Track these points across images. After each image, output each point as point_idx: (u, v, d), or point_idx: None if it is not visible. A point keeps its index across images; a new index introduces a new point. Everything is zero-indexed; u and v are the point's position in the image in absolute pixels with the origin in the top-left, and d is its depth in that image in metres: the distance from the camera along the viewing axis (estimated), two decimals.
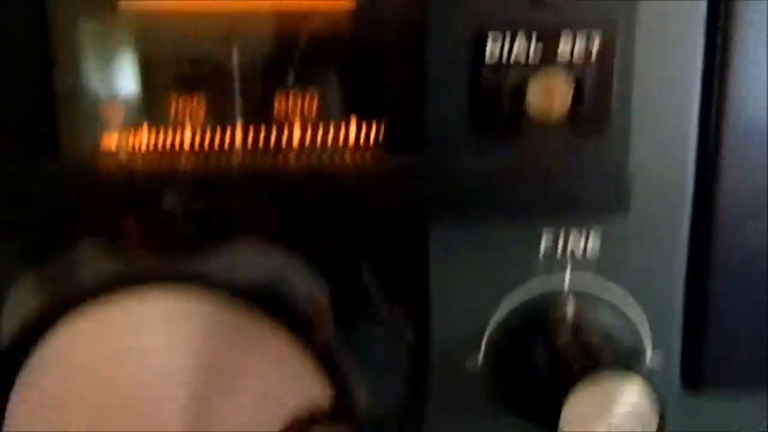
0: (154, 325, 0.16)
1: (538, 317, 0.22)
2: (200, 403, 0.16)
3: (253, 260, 0.17)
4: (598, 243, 0.22)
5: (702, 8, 0.21)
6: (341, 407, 0.16)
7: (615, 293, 0.22)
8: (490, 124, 0.21)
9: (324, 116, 0.23)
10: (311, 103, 0.24)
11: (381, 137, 0.23)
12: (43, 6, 0.22)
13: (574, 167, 0.20)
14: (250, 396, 0.16)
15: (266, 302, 0.16)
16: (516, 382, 0.21)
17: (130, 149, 0.23)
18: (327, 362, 0.16)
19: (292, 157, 0.23)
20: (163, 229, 0.18)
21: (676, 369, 0.23)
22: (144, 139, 0.24)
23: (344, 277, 0.19)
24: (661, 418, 0.19)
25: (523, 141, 0.20)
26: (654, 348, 0.23)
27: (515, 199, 0.21)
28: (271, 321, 0.16)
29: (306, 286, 0.17)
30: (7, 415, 0.16)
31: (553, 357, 0.20)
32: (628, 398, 0.18)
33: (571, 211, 0.21)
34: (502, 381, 0.22)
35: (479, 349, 0.22)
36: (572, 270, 0.22)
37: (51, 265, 0.17)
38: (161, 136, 0.24)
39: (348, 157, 0.23)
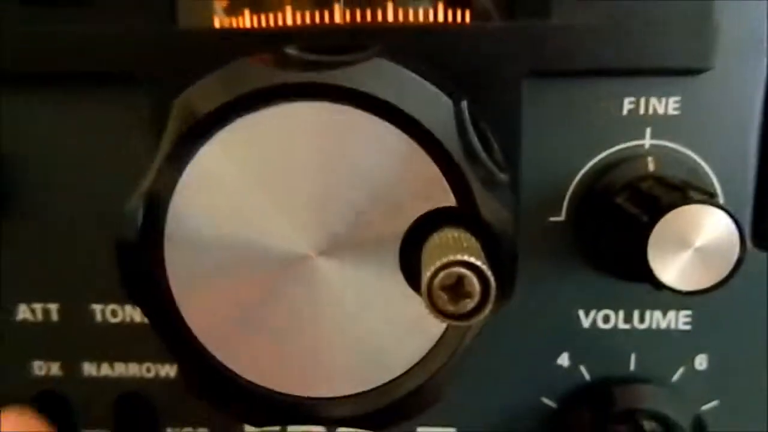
0: (297, 132, 0.18)
1: (621, 170, 0.23)
2: (330, 198, 0.18)
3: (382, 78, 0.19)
4: (678, 104, 0.23)
5: None
6: (467, 214, 0.17)
7: (692, 156, 0.24)
8: None
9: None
10: None
11: (472, 16, 0.25)
12: None
13: (660, 24, 0.22)
14: (373, 194, 0.18)
15: (398, 114, 0.18)
16: (598, 232, 0.23)
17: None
18: (453, 173, 0.18)
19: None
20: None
21: (748, 232, 0.25)
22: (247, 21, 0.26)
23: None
24: (743, 249, 0.20)
25: (609, 1, 0.22)
26: None
27: (602, 57, 0.22)
28: (401, 133, 0.18)
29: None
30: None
31: (638, 197, 0.21)
32: (714, 225, 0.20)
33: (654, 70, 0.22)
34: (583, 234, 0.24)
35: (563, 203, 0.24)
36: (653, 129, 0.23)
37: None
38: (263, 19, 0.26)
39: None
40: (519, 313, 0.25)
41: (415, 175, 0.18)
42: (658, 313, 0.25)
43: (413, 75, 0.19)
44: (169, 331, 0.20)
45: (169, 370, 0.27)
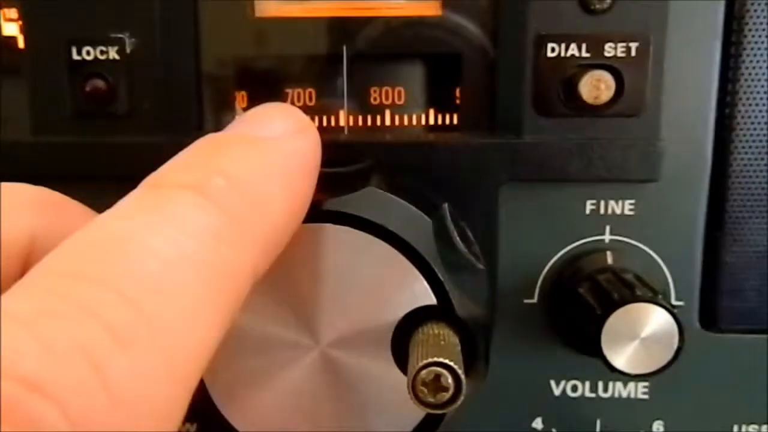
0: (306, 247, 0.22)
1: (584, 263, 0.27)
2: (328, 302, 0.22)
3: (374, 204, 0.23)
4: (632, 206, 0.27)
5: (719, 22, 0.26)
6: (445, 310, 0.21)
7: (646, 249, 0.28)
8: (548, 109, 0.26)
9: (411, 106, 0.29)
10: (402, 95, 0.29)
11: (458, 121, 0.29)
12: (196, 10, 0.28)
13: (615, 144, 0.26)
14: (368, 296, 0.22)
15: (387, 235, 0.22)
16: (564, 314, 0.27)
17: None
18: (432, 278, 0.21)
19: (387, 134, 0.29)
20: None
21: (695, 313, 0.28)
22: None
23: (436, 226, 0.25)
24: (681, 339, 0.24)
25: (574, 122, 0.26)
26: (676, 298, 0.28)
27: (567, 168, 0.26)
28: (389, 247, 0.22)
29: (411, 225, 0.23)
30: None
31: (596, 290, 0.25)
32: (657, 320, 0.24)
33: (611, 178, 0.26)
34: (553, 314, 0.28)
35: (535, 288, 0.28)
36: (611, 227, 0.27)
37: None
38: None
39: (433, 136, 0.28)
40: (498, 383, 0.29)
41: (401, 280, 0.22)
42: (620, 384, 0.29)
43: (399, 200, 0.23)
44: None
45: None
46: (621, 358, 0.24)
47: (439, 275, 0.21)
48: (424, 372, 0.19)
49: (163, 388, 0.14)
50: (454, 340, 0.21)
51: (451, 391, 0.19)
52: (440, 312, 0.21)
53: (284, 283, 0.22)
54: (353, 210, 0.22)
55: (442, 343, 0.20)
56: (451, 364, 0.19)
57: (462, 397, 0.19)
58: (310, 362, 0.22)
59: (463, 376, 0.19)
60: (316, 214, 0.21)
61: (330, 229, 0.22)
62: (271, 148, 0.19)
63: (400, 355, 0.22)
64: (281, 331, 0.22)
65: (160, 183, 0.18)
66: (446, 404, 0.19)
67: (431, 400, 0.19)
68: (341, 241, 0.22)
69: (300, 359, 0.22)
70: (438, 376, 0.19)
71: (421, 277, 0.22)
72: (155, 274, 0.14)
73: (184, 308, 0.14)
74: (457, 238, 0.25)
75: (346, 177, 0.24)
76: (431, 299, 0.22)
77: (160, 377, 0.13)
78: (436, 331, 0.21)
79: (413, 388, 0.19)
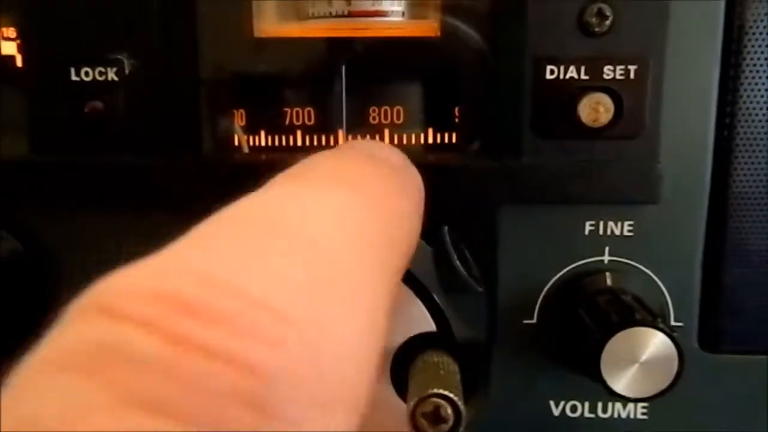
0: None
1: (583, 284, 0.27)
2: None
3: None
4: (631, 227, 0.27)
5: (718, 45, 0.26)
6: (444, 337, 0.21)
7: (645, 270, 0.28)
8: (547, 131, 0.26)
9: (409, 125, 0.29)
10: (400, 114, 0.29)
11: (457, 140, 0.29)
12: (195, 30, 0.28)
13: (615, 166, 0.26)
14: None
15: None
16: (564, 335, 0.27)
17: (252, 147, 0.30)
18: (429, 302, 0.21)
19: None
20: None
21: (694, 334, 0.28)
22: (264, 140, 0.30)
23: (436, 248, 0.25)
24: (681, 363, 0.24)
25: (573, 144, 0.26)
26: (675, 319, 0.28)
27: (566, 189, 0.26)
28: None
29: None
30: None
31: (595, 312, 0.25)
32: (657, 344, 0.24)
33: (610, 200, 0.26)
34: (552, 335, 0.28)
35: (535, 308, 0.28)
36: (610, 248, 0.27)
37: None
38: (279, 138, 0.30)
39: (433, 156, 0.28)
40: (499, 402, 0.29)
41: (399, 304, 0.22)
42: (619, 405, 0.29)
43: None
44: None
45: None
46: (620, 382, 0.24)
47: (438, 300, 0.21)
48: (423, 403, 0.19)
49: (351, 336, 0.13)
50: (454, 368, 0.21)
51: (450, 423, 0.19)
52: (439, 339, 0.21)
53: None
54: None
55: (442, 372, 0.20)
56: (451, 396, 0.19)
57: (462, 428, 0.19)
58: None
59: (462, 408, 0.19)
60: None
61: None
62: (402, 171, 0.21)
63: (400, 381, 0.22)
64: None
65: (306, 180, 0.18)
66: None
67: (431, 431, 0.19)
68: None
69: None
70: (438, 408, 0.19)
71: (419, 302, 0.22)
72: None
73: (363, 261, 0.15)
74: (457, 261, 0.25)
75: None
76: (430, 325, 0.22)
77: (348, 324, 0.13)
78: (436, 359, 0.21)
79: (413, 419, 0.19)
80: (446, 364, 0.21)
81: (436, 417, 0.19)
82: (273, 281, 0.13)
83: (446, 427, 0.19)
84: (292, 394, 0.12)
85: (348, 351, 0.13)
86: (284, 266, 0.13)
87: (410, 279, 0.21)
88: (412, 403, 0.19)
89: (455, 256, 0.25)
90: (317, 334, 0.12)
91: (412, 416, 0.19)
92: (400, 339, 0.22)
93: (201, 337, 0.11)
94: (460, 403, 0.19)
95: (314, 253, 0.14)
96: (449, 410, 0.19)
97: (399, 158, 0.21)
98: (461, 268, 0.25)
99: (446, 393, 0.19)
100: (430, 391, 0.19)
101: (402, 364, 0.22)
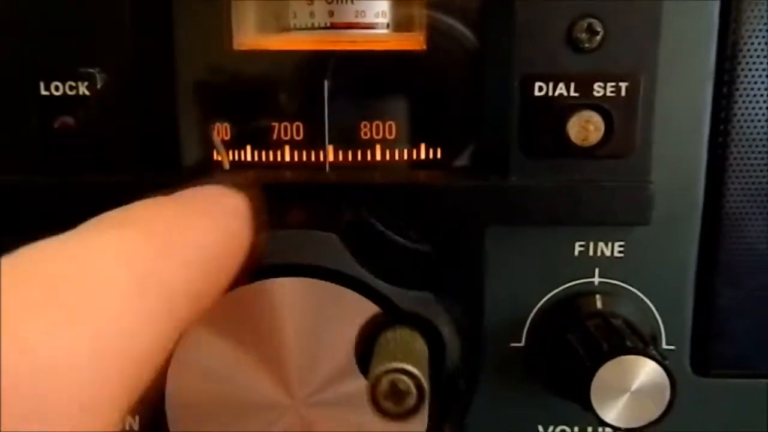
0: (278, 301, 0.21)
1: (573, 306, 0.26)
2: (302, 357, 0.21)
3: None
4: (622, 248, 0.26)
5: (711, 61, 0.25)
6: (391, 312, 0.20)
7: (636, 292, 0.27)
8: (535, 149, 0.25)
9: (394, 141, 0.28)
10: (384, 130, 0.28)
11: (442, 158, 0.28)
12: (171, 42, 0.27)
13: (605, 186, 0.25)
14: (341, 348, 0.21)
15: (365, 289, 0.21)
16: (552, 359, 0.26)
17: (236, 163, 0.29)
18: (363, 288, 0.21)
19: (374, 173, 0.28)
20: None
21: (686, 358, 0.28)
22: (248, 155, 0.29)
23: (417, 270, 0.24)
24: (673, 391, 0.23)
25: (562, 164, 0.25)
26: (667, 342, 0.27)
27: (555, 210, 0.25)
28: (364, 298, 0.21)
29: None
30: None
31: (585, 337, 0.24)
32: (648, 372, 0.23)
33: (601, 221, 0.25)
34: (540, 359, 0.27)
35: (523, 331, 0.27)
36: (600, 270, 0.26)
37: None
38: (263, 154, 0.29)
39: (419, 174, 0.28)
40: (486, 427, 0.28)
41: (335, 304, 0.21)
42: (609, 430, 0.28)
43: None
44: None
45: None
46: (611, 411, 0.23)
47: (367, 282, 0.20)
48: (379, 382, 0.18)
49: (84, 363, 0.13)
50: (410, 338, 0.20)
51: (414, 397, 0.18)
52: (388, 316, 0.20)
53: (256, 344, 0.21)
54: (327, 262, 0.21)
55: (393, 345, 0.19)
56: (407, 367, 0.18)
57: (426, 401, 0.18)
58: (289, 421, 0.21)
59: (423, 378, 0.18)
60: (278, 268, 0.21)
61: (294, 282, 0.21)
62: (197, 191, 0.20)
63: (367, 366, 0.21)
64: (257, 394, 0.21)
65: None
66: (409, 413, 0.18)
67: (396, 410, 0.18)
68: (309, 294, 0.21)
69: (278, 420, 0.21)
70: (395, 383, 0.18)
71: (349, 291, 0.21)
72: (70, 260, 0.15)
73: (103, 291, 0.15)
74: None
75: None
76: (371, 307, 0.21)
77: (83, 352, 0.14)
78: (389, 336, 0.20)
79: (374, 403, 0.18)
80: (402, 336, 0.20)
81: (396, 394, 0.18)
82: None
83: (411, 401, 0.18)
84: None
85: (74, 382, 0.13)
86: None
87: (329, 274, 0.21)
88: (368, 386, 0.18)
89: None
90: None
91: (373, 400, 0.18)
92: (352, 332, 0.21)
93: None
94: (417, 373, 0.18)
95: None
96: (409, 383, 0.18)
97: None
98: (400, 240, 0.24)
99: (401, 366, 0.18)
100: (384, 368, 0.18)
101: (368, 347, 0.21)
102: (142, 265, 0.16)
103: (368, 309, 0.21)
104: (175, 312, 0.16)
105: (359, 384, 0.21)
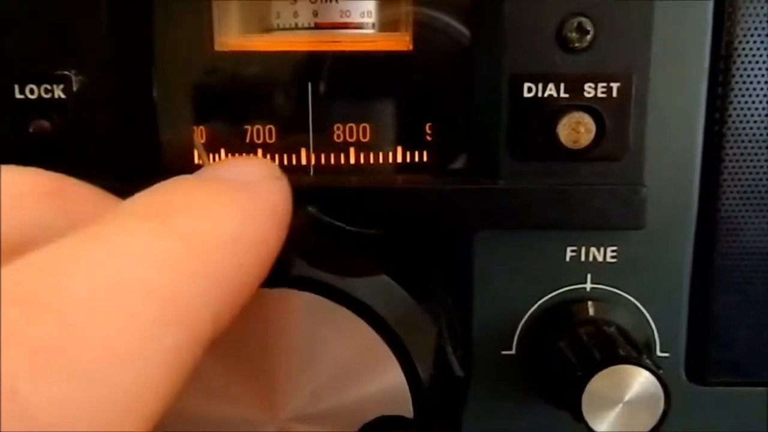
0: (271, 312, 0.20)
1: (564, 313, 0.25)
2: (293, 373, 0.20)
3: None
4: (615, 253, 0.26)
5: (705, 61, 0.24)
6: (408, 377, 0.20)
7: (629, 298, 0.26)
8: (525, 152, 0.24)
9: (379, 144, 0.28)
10: (370, 132, 0.28)
11: (429, 161, 0.27)
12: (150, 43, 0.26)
13: (597, 190, 0.24)
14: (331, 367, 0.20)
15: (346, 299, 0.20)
16: (543, 368, 0.25)
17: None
18: (395, 342, 0.20)
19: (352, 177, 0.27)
20: None
21: (681, 365, 0.27)
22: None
23: (404, 277, 0.23)
24: (667, 402, 0.22)
25: (553, 167, 0.24)
26: (661, 350, 0.27)
27: (546, 215, 0.24)
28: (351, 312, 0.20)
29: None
30: None
31: (577, 345, 0.24)
32: (641, 382, 0.22)
33: (593, 226, 0.25)
34: (531, 367, 0.26)
35: (513, 339, 0.26)
36: (592, 275, 0.26)
37: None
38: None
39: (402, 178, 0.27)
40: None
41: (374, 364, 0.20)
42: None
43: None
44: None
45: None
46: (604, 423, 0.22)
47: (420, 373, 0.19)
48: None
49: (85, 417, 0.12)
50: None
51: None
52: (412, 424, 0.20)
53: (247, 354, 0.20)
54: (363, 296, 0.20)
55: None
56: None
57: None
58: None
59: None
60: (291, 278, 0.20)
61: (286, 295, 0.20)
62: (241, 188, 0.18)
63: None
64: (238, 408, 0.20)
65: (117, 211, 0.16)
66: None
67: None
68: (298, 307, 0.20)
69: None
70: None
71: (399, 367, 0.20)
72: (94, 292, 0.13)
73: (125, 334, 0.13)
74: (450, 348, 0.23)
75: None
76: (405, 395, 0.20)
77: (85, 406, 0.12)
78: None
79: None
80: None
81: None
82: None
83: None
84: None
85: None
86: None
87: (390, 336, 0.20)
88: None
89: (449, 343, 0.23)
90: None
91: None
92: (342, 350, 0.20)
93: None
94: None
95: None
96: None
97: (258, 172, 0.19)
98: (450, 350, 0.23)
99: None
100: None
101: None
102: (169, 290, 0.14)
103: (361, 328, 0.20)
104: (198, 331, 0.14)
105: (342, 401, 0.20)
